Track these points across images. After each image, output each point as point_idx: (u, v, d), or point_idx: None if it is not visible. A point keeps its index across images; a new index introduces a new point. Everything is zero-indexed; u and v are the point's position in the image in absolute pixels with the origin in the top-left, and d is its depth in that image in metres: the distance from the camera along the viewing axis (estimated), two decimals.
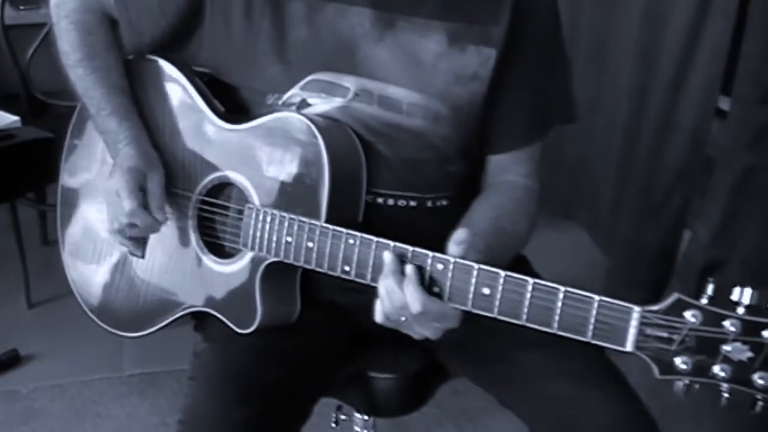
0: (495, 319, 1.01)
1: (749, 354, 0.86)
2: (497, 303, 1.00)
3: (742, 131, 2.21)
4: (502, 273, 1.00)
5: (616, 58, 2.83)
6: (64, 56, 1.32)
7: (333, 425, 1.58)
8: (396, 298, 1.04)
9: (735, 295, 0.87)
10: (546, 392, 1.20)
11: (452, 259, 1.03)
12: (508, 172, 1.30)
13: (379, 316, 1.07)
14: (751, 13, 2.17)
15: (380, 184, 1.21)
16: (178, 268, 1.30)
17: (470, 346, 1.29)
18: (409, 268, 1.04)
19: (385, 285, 1.05)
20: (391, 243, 1.07)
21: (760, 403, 0.87)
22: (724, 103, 2.39)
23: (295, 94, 1.22)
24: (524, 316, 0.99)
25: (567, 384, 1.19)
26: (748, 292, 0.87)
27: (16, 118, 2.40)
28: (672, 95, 2.52)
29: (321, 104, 1.21)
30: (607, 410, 1.16)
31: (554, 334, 1.12)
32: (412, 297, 1.03)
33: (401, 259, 1.06)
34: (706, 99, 2.42)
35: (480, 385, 1.31)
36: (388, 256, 1.05)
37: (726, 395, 0.89)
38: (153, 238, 1.31)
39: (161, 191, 1.26)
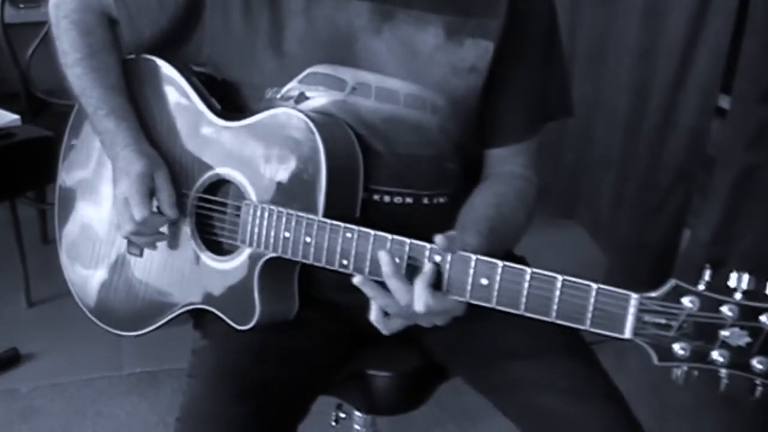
0: (493, 310, 1.01)
1: (747, 339, 0.87)
2: (495, 293, 1.01)
3: (742, 130, 2.21)
4: (500, 263, 1.00)
5: (616, 57, 2.83)
6: (63, 56, 1.32)
7: (333, 424, 1.57)
8: (401, 297, 1.05)
9: (732, 280, 0.87)
10: (537, 404, 1.20)
11: None
12: (507, 163, 1.31)
13: (374, 314, 1.08)
14: (751, 12, 2.17)
15: (377, 180, 1.21)
16: (177, 266, 1.29)
17: (465, 352, 1.29)
18: (428, 267, 1.03)
19: (392, 285, 1.05)
20: (389, 236, 1.07)
21: (760, 389, 0.87)
22: (724, 102, 2.40)
23: (293, 87, 1.22)
24: (522, 306, 0.99)
25: (558, 398, 1.18)
26: (745, 277, 0.87)
27: (16, 116, 2.40)
28: (672, 94, 2.52)
29: (319, 97, 1.21)
30: (597, 426, 1.16)
31: (549, 344, 1.13)
32: (419, 296, 1.03)
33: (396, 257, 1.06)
34: (706, 98, 2.42)
35: (475, 388, 1.31)
36: (384, 257, 1.05)
37: (725, 381, 0.89)
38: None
39: (170, 187, 1.26)
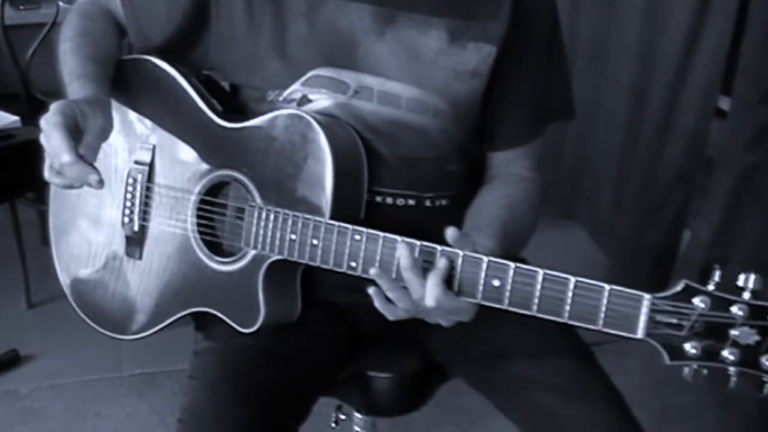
0: (499, 310, 1.02)
1: (756, 338, 0.88)
2: (507, 294, 1.01)
3: (741, 131, 2.21)
4: (512, 264, 1.00)
5: (616, 58, 2.83)
6: (62, 40, 1.30)
7: (333, 425, 1.57)
8: (414, 290, 1.05)
9: (741, 280, 0.89)
10: (538, 404, 1.20)
11: (461, 253, 1.03)
12: (511, 165, 1.31)
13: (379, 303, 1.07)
14: (751, 13, 2.17)
15: (380, 182, 1.21)
16: (178, 269, 1.28)
17: (466, 352, 1.29)
18: (442, 262, 1.04)
19: (408, 277, 1.05)
20: (398, 238, 1.07)
21: None
22: (724, 103, 2.40)
23: (296, 90, 1.22)
24: (535, 307, 0.99)
25: (558, 398, 1.19)
26: (752, 277, 0.89)
27: (15, 117, 2.40)
28: (672, 95, 2.53)
29: (322, 100, 1.21)
30: (597, 427, 1.16)
31: (550, 345, 1.14)
32: (431, 291, 1.03)
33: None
34: (706, 99, 2.43)
35: (476, 388, 1.31)
36: (402, 249, 1.05)
37: (734, 379, 0.90)
38: (151, 238, 1.31)
39: (96, 143, 1.15)
